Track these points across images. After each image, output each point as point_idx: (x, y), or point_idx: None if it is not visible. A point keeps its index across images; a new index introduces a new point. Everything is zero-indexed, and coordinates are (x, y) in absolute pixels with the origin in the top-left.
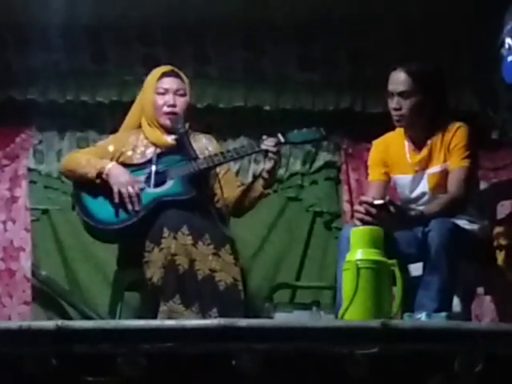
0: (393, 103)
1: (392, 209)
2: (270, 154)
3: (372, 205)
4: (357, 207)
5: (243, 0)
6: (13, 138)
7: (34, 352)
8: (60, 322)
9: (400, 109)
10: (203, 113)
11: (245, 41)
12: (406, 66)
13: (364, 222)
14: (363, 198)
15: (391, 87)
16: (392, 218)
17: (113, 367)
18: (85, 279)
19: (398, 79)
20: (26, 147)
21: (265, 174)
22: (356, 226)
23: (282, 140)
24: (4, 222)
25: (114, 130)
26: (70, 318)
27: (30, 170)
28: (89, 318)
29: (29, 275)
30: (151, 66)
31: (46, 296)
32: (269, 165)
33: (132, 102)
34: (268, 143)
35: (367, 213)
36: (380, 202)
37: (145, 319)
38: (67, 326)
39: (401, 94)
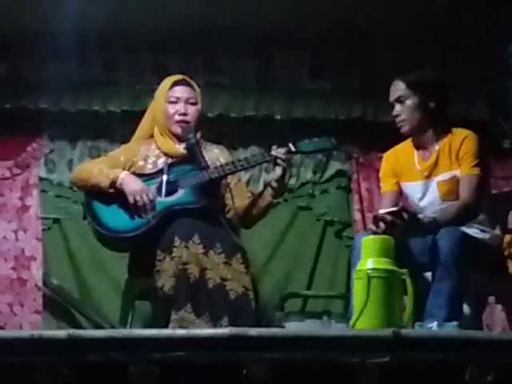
0: (394, 112)
1: (405, 216)
2: (279, 161)
3: (386, 213)
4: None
5: (254, 9)
6: (24, 147)
7: (45, 361)
8: (71, 331)
9: (400, 114)
10: (214, 122)
11: (256, 50)
12: (405, 77)
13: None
14: (379, 215)
15: (390, 97)
16: (406, 225)
17: (124, 376)
18: (96, 288)
19: (395, 88)
20: (37, 156)
21: (273, 183)
22: (371, 234)
23: (293, 149)
24: (15, 231)
25: (126, 140)
26: (81, 327)
27: (41, 179)
28: (100, 326)
29: (40, 284)
30: (162, 75)
31: (57, 305)
32: (278, 173)
33: (144, 112)
34: (278, 151)
35: (382, 220)
36: (394, 208)
37: (156, 328)
38: (78, 335)
39: (397, 100)
